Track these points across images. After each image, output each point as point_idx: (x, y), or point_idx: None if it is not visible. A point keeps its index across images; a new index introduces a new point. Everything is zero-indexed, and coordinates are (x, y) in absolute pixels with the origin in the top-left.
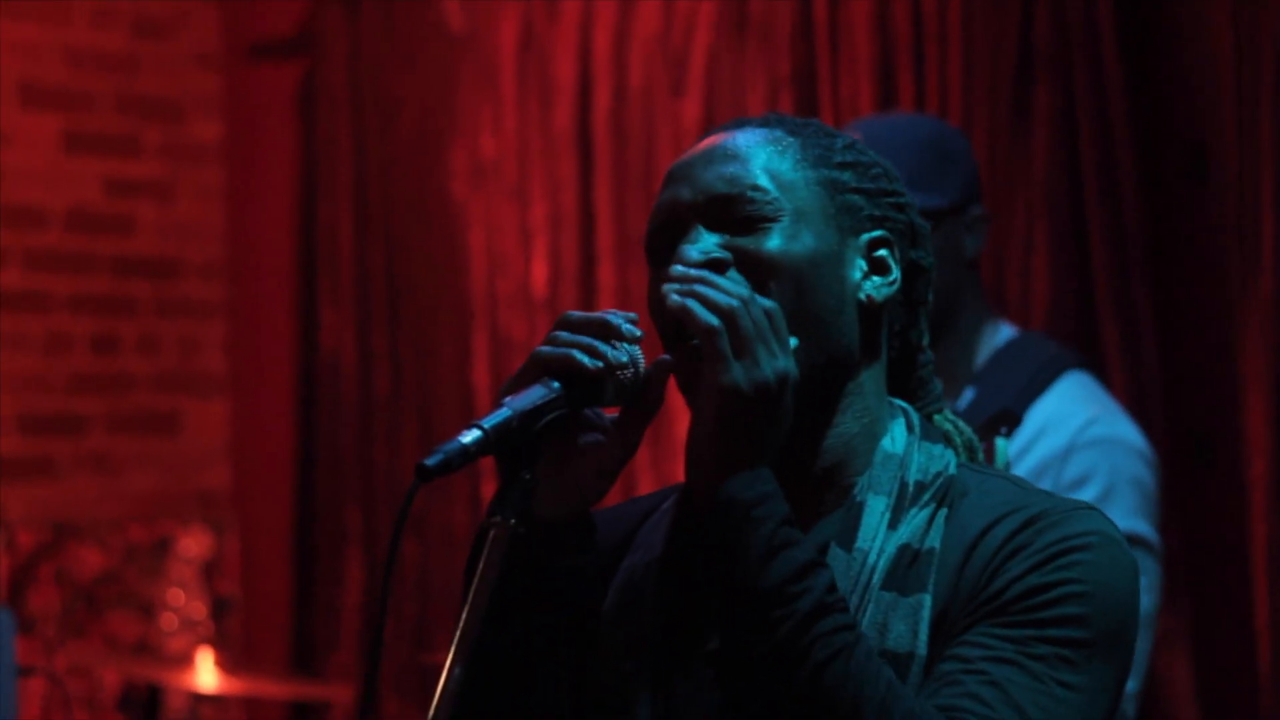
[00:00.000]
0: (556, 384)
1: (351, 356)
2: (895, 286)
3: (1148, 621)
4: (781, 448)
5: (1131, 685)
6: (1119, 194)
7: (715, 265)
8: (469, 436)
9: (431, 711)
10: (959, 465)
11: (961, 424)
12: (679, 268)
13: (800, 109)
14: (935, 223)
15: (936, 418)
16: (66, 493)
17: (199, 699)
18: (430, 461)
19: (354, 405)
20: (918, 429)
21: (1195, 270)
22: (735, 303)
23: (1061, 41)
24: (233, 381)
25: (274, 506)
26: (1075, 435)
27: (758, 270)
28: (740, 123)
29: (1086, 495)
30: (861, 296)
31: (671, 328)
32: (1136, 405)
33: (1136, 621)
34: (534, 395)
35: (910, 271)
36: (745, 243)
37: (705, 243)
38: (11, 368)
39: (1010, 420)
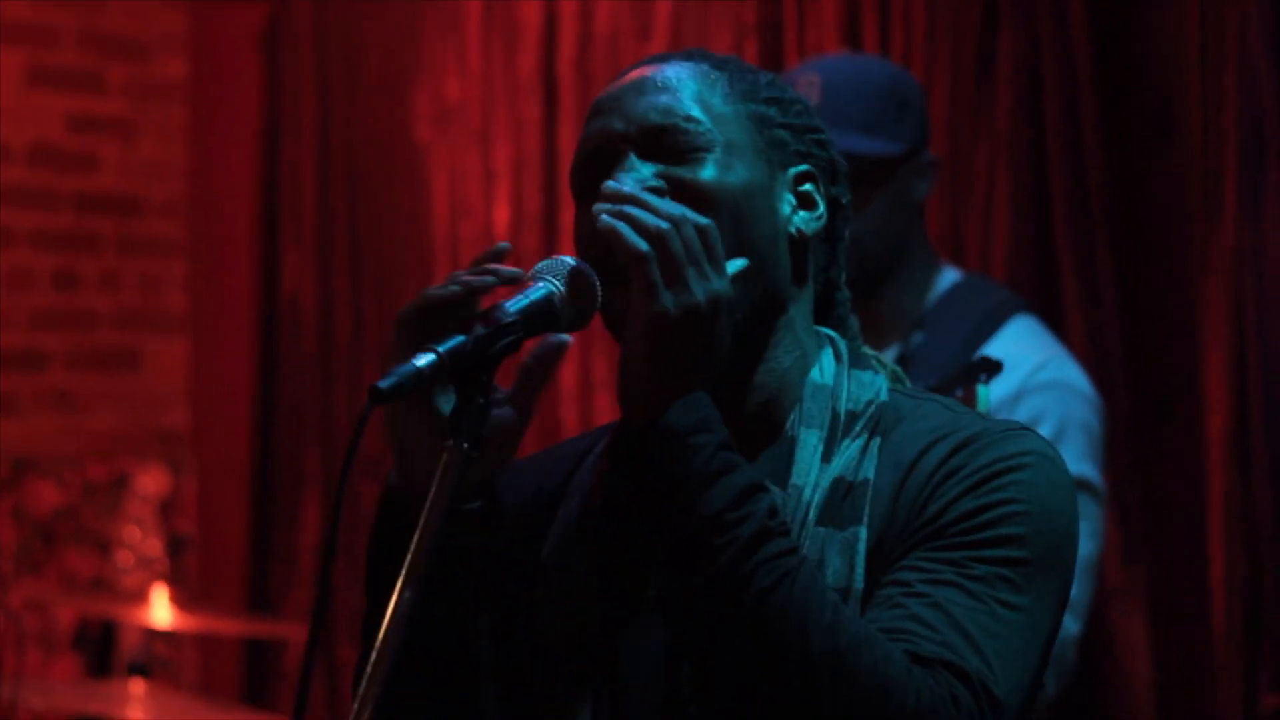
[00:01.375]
0: (512, 308)
1: (312, 298)
2: (822, 221)
3: (1090, 565)
4: (716, 385)
5: (1074, 628)
6: (1082, 147)
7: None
8: (423, 359)
9: (381, 635)
10: (890, 390)
11: (883, 358)
12: (611, 183)
13: (765, 57)
14: (890, 168)
15: (864, 350)
16: (26, 428)
17: (154, 635)
18: (384, 384)
19: (314, 347)
20: (846, 357)
21: (1157, 226)
22: (665, 224)
23: None
24: (193, 321)
25: (232, 446)
26: (1026, 378)
27: (694, 200)
28: (665, 57)
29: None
30: (791, 230)
31: (602, 259)
32: (1096, 360)
33: (1075, 540)
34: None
35: (831, 208)
36: (681, 172)
37: (640, 172)
38: None
39: (990, 367)
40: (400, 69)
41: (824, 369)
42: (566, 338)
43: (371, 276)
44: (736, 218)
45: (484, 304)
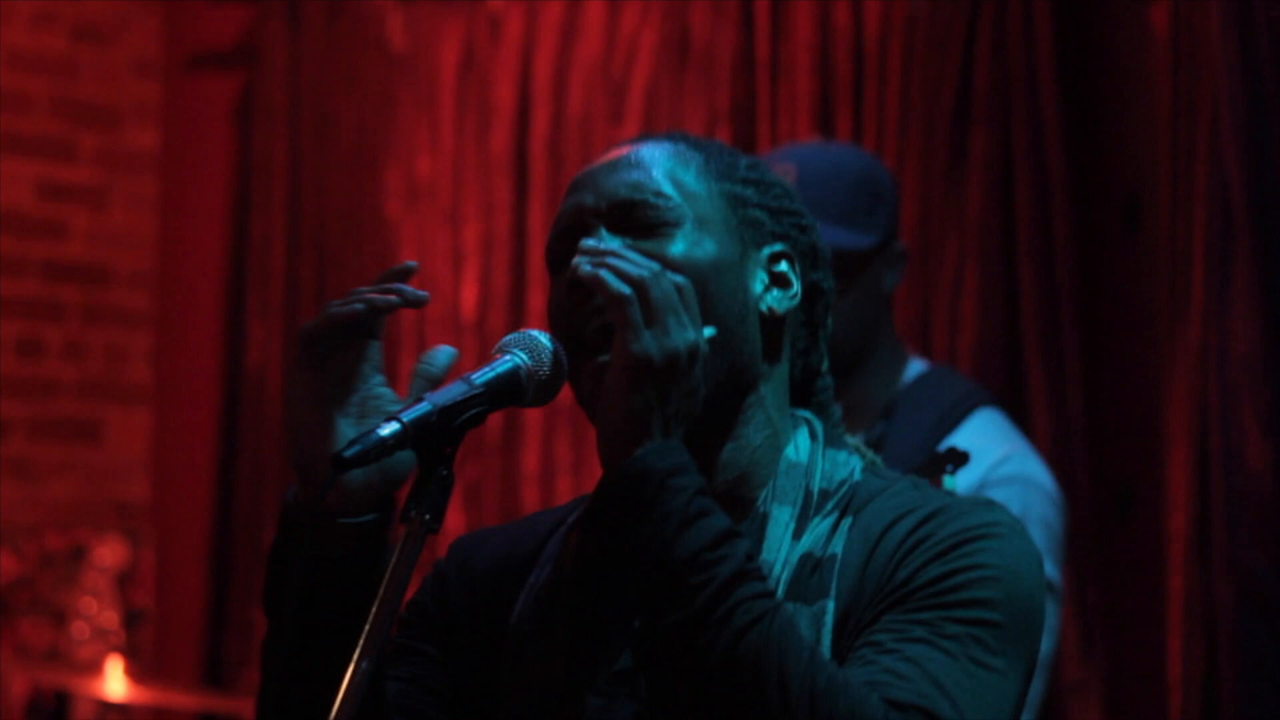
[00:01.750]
0: (478, 380)
1: (277, 372)
2: (796, 300)
3: (1044, 664)
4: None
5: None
6: (1051, 241)
7: None
8: (387, 429)
9: (335, 707)
10: (864, 471)
11: (863, 447)
12: (589, 241)
13: (738, 143)
14: (863, 260)
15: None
16: None
17: (107, 708)
18: (348, 453)
19: (278, 421)
20: (821, 437)
21: (1124, 320)
22: (646, 273)
23: (1001, 87)
24: (157, 392)
25: (192, 519)
26: (988, 472)
27: None
28: (644, 137)
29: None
30: (764, 308)
31: (573, 333)
32: (1060, 452)
33: (1043, 612)
34: (454, 391)
35: (810, 292)
36: (649, 246)
37: (609, 244)
38: None
39: (957, 459)
40: (373, 144)
41: (799, 447)
42: (452, 350)
43: None
44: (703, 292)
45: (447, 379)
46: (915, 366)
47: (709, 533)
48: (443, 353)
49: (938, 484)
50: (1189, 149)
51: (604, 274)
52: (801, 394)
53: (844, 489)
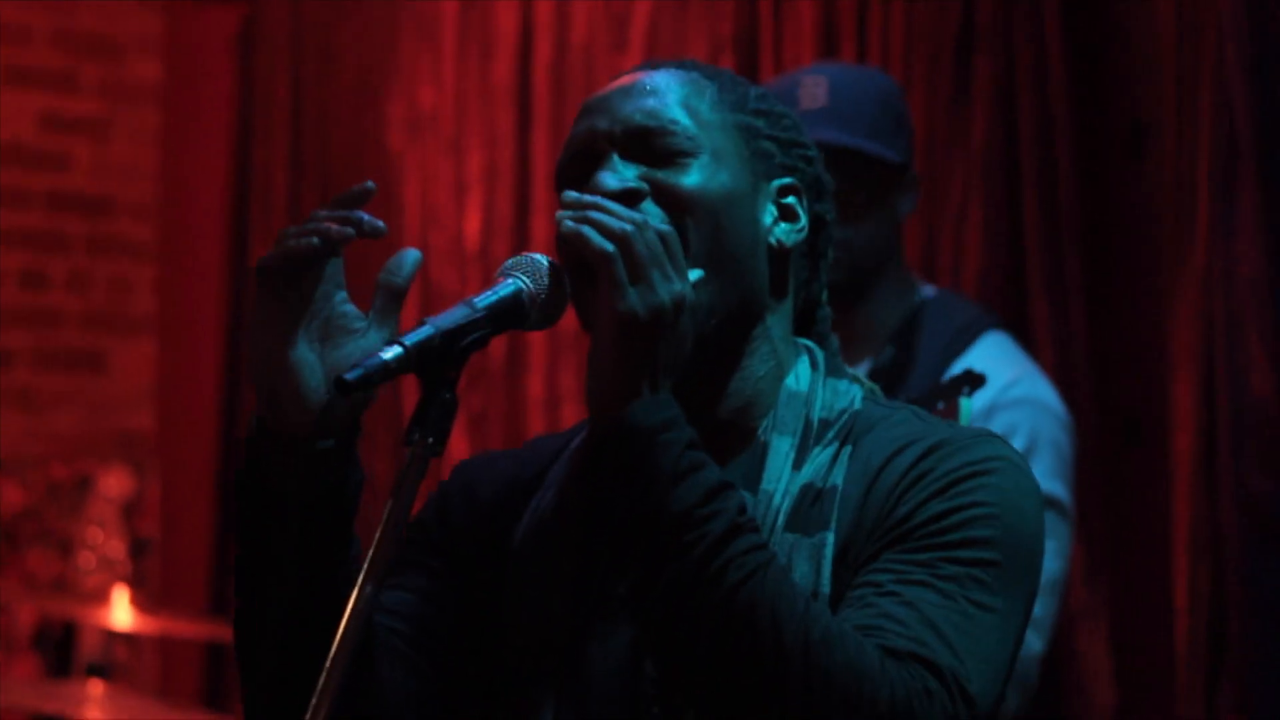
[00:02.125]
0: (480, 304)
1: None
2: (804, 234)
3: (1055, 585)
4: (689, 391)
5: (1037, 646)
6: (1055, 168)
7: (632, 196)
8: (390, 353)
9: (340, 630)
10: (864, 399)
11: (860, 376)
12: (571, 194)
13: (741, 70)
14: (889, 178)
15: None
16: None
17: (114, 637)
18: (350, 376)
19: None
20: (822, 366)
21: (1129, 246)
22: (629, 227)
23: (1004, 15)
24: (161, 323)
25: (197, 449)
26: (998, 395)
27: (676, 204)
28: (656, 63)
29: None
30: (772, 241)
31: (574, 259)
32: (1065, 379)
33: (1043, 546)
34: (457, 314)
35: (814, 224)
36: (663, 176)
37: (623, 173)
38: None
39: (974, 381)
40: (375, 75)
41: (800, 377)
42: (417, 252)
43: None
44: (716, 225)
45: (450, 303)
46: (925, 291)
47: (701, 488)
48: (408, 256)
49: (954, 406)
50: (1193, 74)
51: (586, 230)
52: (802, 323)
53: (845, 418)
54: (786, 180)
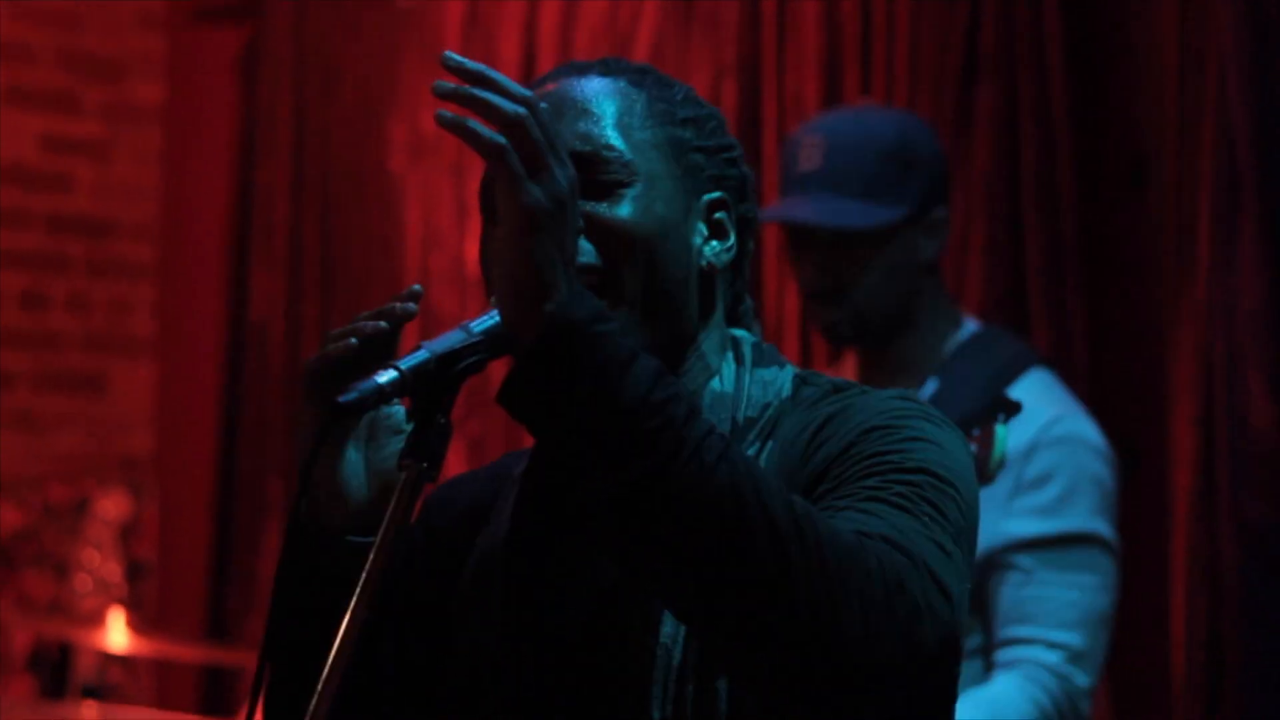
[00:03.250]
0: (477, 328)
1: (281, 325)
2: (733, 253)
3: (1104, 620)
4: None
5: (1087, 681)
6: (1057, 198)
7: None
8: (385, 376)
9: (334, 650)
10: (794, 382)
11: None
12: (451, 54)
13: (744, 99)
14: (887, 233)
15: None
16: None
17: (109, 660)
18: (344, 399)
19: (281, 374)
20: (748, 359)
21: (1130, 278)
22: (521, 110)
23: (1007, 44)
24: (161, 345)
25: (195, 472)
26: (1039, 433)
27: (609, 239)
28: (581, 68)
29: (1049, 493)
30: (703, 263)
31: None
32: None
33: (974, 478)
34: (453, 339)
35: (740, 225)
36: (598, 209)
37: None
38: None
39: (1010, 407)
40: (377, 97)
41: (724, 377)
42: (413, 307)
43: (341, 304)
44: (650, 261)
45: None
46: (969, 327)
47: (648, 373)
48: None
49: (989, 432)
50: (1196, 105)
51: (472, 124)
52: (728, 315)
53: (768, 412)
54: (716, 195)
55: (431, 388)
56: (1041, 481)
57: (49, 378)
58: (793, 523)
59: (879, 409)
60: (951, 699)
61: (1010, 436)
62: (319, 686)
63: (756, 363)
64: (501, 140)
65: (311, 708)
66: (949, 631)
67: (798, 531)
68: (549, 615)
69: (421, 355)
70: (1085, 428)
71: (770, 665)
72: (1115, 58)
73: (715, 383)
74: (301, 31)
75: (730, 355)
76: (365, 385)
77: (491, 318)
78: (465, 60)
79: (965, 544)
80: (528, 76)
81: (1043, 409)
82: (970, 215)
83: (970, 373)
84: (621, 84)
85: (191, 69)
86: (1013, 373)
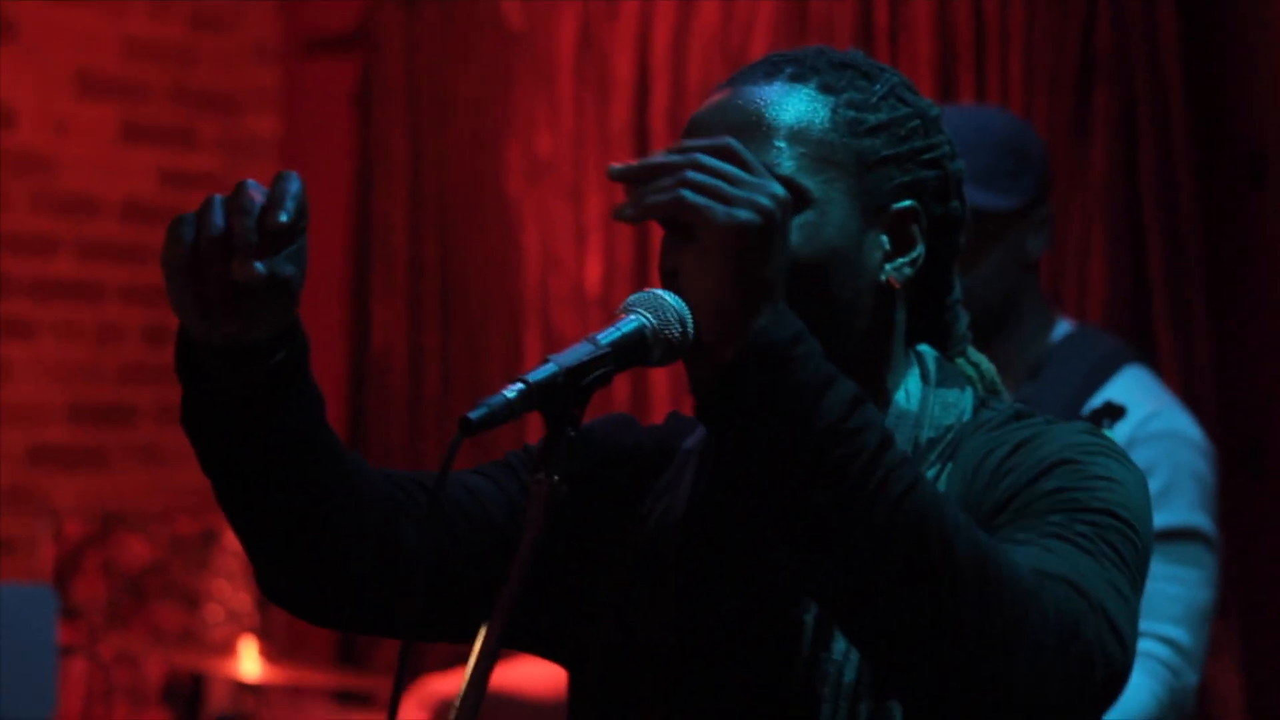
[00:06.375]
0: (604, 340)
1: (403, 353)
2: (919, 264)
3: (1205, 616)
4: None
5: (1193, 678)
6: (1177, 198)
7: None
8: (513, 390)
9: (468, 674)
10: (975, 406)
11: (984, 363)
12: (616, 167)
13: None
14: (1004, 223)
15: (959, 360)
16: (115, 483)
17: (242, 689)
18: (474, 415)
19: (404, 402)
20: (934, 377)
21: (1251, 276)
22: (679, 158)
23: (1123, 45)
24: None
25: None
26: (1136, 429)
27: None
28: (770, 70)
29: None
30: (881, 278)
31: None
32: (1189, 410)
33: (1151, 520)
34: (580, 352)
35: (939, 227)
36: None
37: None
38: (63, 357)
39: (1113, 413)
40: (492, 122)
41: (910, 393)
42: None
43: (461, 331)
44: (810, 291)
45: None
46: (1064, 327)
47: (844, 399)
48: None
49: None
50: None
51: (652, 199)
52: (927, 314)
53: (950, 435)
54: (905, 204)
55: (560, 401)
56: None
57: (173, 411)
58: (974, 561)
59: (1068, 442)
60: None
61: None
62: (460, 696)
63: (941, 382)
64: (675, 194)
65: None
66: (1119, 677)
67: (979, 570)
68: (722, 612)
69: (549, 369)
70: (1183, 422)
71: (937, 698)
72: (1232, 56)
73: (901, 397)
74: (414, 60)
75: (916, 372)
76: (494, 400)
77: (618, 329)
78: (627, 168)
79: (1139, 588)
80: (641, 94)
81: (1139, 405)
82: (1090, 218)
83: (1066, 372)
84: (808, 90)
85: (306, 101)
86: (1108, 370)
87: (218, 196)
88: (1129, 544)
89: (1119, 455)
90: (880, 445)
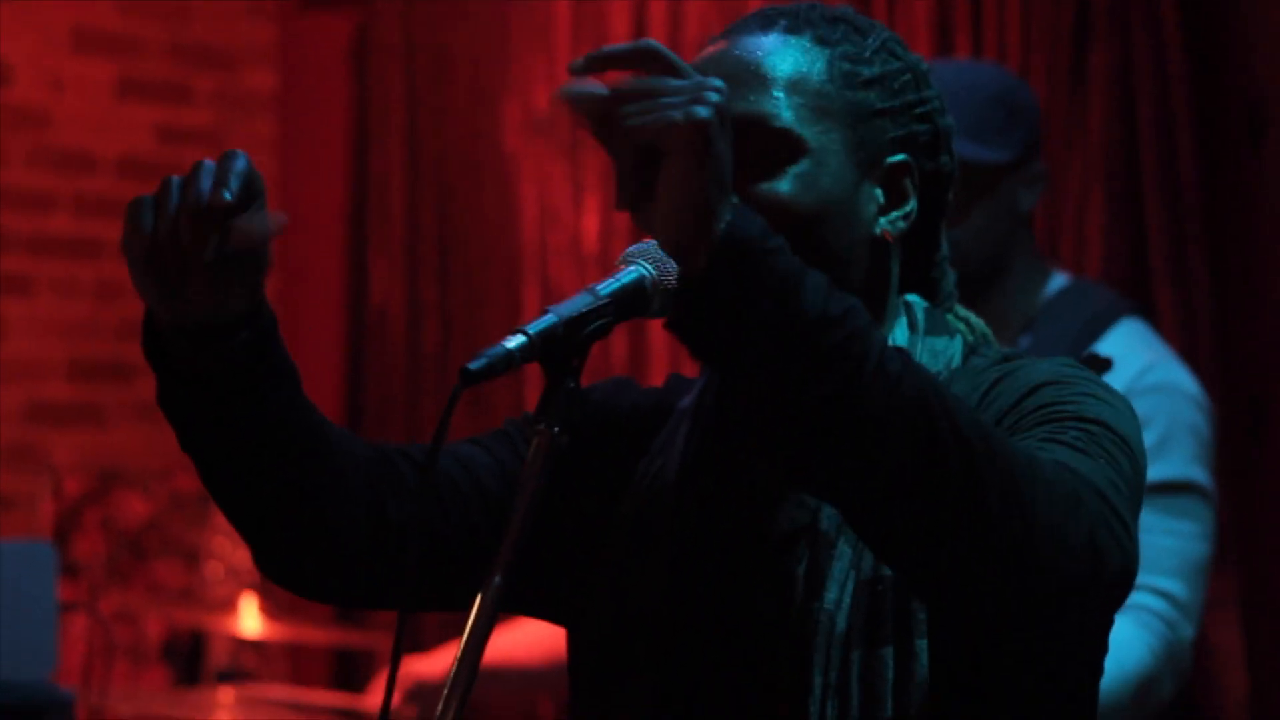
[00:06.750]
0: (603, 291)
1: (401, 309)
2: (912, 218)
3: (1201, 569)
4: None
5: (1190, 632)
6: (1176, 154)
7: None
8: (513, 341)
9: (469, 625)
10: (964, 353)
11: (973, 318)
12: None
13: None
14: (994, 176)
15: (948, 316)
16: (114, 440)
17: (242, 645)
18: (474, 365)
19: (402, 358)
20: (921, 326)
21: (1251, 232)
22: (639, 85)
23: (1121, 1)
24: (281, 332)
25: None
26: (1132, 381)
27: (765, 211)
28: (764, 22)
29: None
30: (876, 231)
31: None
32: (1189, 366)
33: (1145, 457)
34: (579, 302)
35: (929, 182)
36: (758, 184)
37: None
38: (62, 314)
39: (1099, 364)
40: (489, 79)
41: (897, 342)
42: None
43: (459, 287)
44: (807, 239)
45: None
46: (1059, 280)
47: (821, 285)
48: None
49: None
50: None
51: (631, 124)
52: (916, 268)
53: None
54: (898, 158)
55: (560, 352)
56: None
57: None
58: (980, 435)
59: (1051, 370)
60: (1108, 631)
61: None
62: (457, 658)
63: (929, 330)
64: (640, 104)
65: (451, 677)
66: (1127, 553)
67: (985, 443)
68: (714, 567)
69: (549, 320)
70: (1179, 375)
71: (961, 575)
72: (1230, 12)
73: None
74: (411, 15)
75: (903, 321)
76: (494, 351)
77: (618, 280)
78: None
79: (1135, 498)
80: None
81: (1135, 358)
82: (1089, 176)
83: (1062, 326)
84: (803, 42)
85: (302, 56)
86: (1104, 323)
87: (174, 178)
88: (1123, 454)
89: (1108, 386)
90: (868, 325)
